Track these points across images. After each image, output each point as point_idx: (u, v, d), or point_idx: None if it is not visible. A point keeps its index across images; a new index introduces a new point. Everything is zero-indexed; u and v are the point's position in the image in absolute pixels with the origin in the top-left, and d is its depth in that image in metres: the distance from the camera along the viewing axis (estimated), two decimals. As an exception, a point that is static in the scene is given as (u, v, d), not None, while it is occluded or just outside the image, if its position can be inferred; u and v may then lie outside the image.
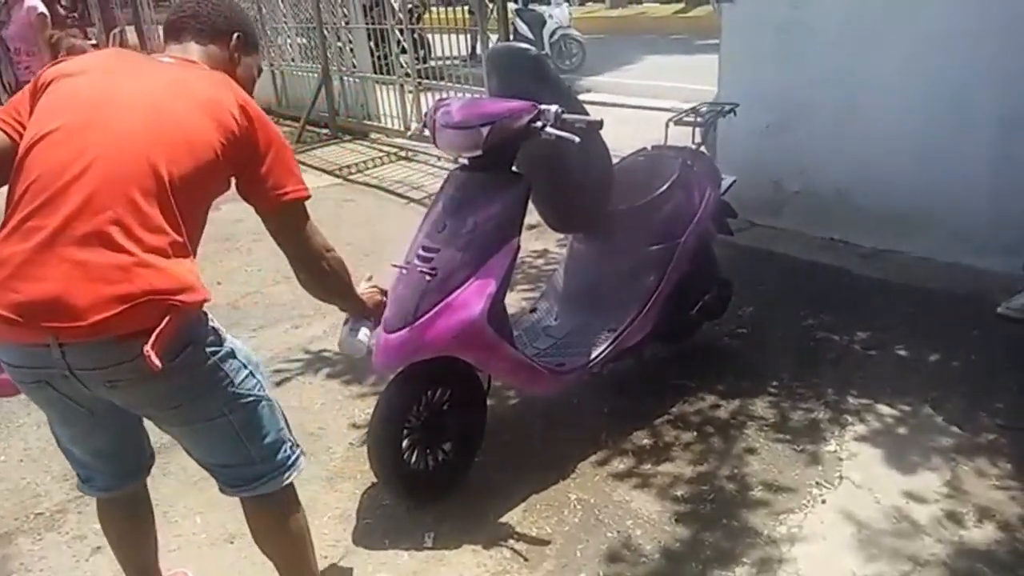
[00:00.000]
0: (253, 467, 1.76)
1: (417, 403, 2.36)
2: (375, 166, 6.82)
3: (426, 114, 2.54)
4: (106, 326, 1.42)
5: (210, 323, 1.64)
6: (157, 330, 1.44)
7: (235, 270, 4.50)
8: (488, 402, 2.62)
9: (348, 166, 6.82)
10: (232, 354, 1.67)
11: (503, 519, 2.41)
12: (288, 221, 1.75)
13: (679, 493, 2.49)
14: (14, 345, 1.51)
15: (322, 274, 1.85)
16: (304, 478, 2.61)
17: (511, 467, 2.63)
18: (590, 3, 22.67)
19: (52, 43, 5.14)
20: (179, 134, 1.55)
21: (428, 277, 2.27)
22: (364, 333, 2.14)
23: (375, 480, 2.53)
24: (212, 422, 1.67)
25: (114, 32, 14.38)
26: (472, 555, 2.28)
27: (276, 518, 1.86)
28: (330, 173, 6.68)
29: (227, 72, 1.77)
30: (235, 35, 1.81)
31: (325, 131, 8.15)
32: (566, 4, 12.59)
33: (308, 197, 1.75)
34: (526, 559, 2.26)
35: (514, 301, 3.63)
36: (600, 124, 2.36)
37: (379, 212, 5.55)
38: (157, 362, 1.42)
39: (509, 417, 2.95)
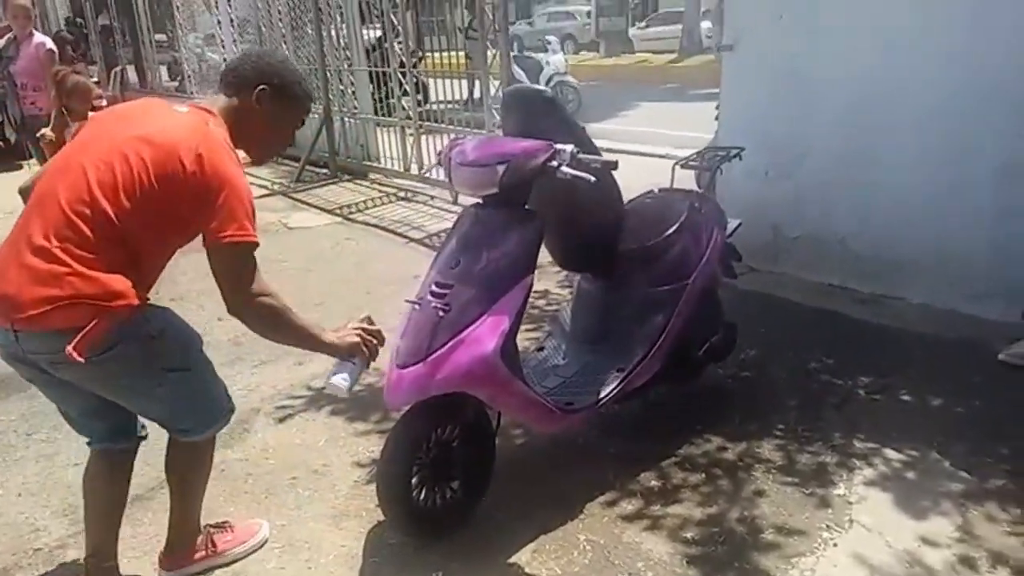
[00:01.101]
0: (180, 424, 2.16)
1: (427, 440, 2.35)
2: (375, 206, 6.86)
3: (440, 152, 2.57)
4: (39, 320, 1.81)
5: (148, 318, 1.96)
6: (84, 331, 1.82)
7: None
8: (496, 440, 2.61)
9: (348, 205, 6.87)
10: (165, 339, 2.01)
11: (512, 559, 2.38)
12: (223, 261, 1.95)
13: (689, 535, 2.47)
14: None
15: (248, 318, 2.04)
16: (309, 515, 2.62)
17: (519, 506, 2.61)
18: (584, 51, 23.12)
19: (58, 80, 5.17)
20: (132, 176, 1.87)
21: (441, 313, 2.27)
22: (342, 376, 2.15)
23: (381, 518, 2.50)
24: (146, 395, 2.07)
25: (115, 70, 14.53)
26: (481, 596, 2.25)
27: (188, 457, 2.24)
28: (330, 212, 6.71)
29: (248, 121, 2.08)
30: (259, 87, 2.08)
31: (325, 171, 8.22)
32: (561, 52, 12.83)
33: (245, 243, 1.94)
34: (536, 600, 2.23)
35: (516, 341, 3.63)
36: (615, 165, 2.39)
37: (379, 251, 5.56)
38: (78, 358, 1.81)
39: (516, 457, 2.93)
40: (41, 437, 3.22)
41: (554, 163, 2.31)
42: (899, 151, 3.97)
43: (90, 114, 5.20)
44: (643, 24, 23.32)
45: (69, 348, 1.80)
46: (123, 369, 1.96)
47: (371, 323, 2.28)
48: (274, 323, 2.05)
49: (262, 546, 2.49)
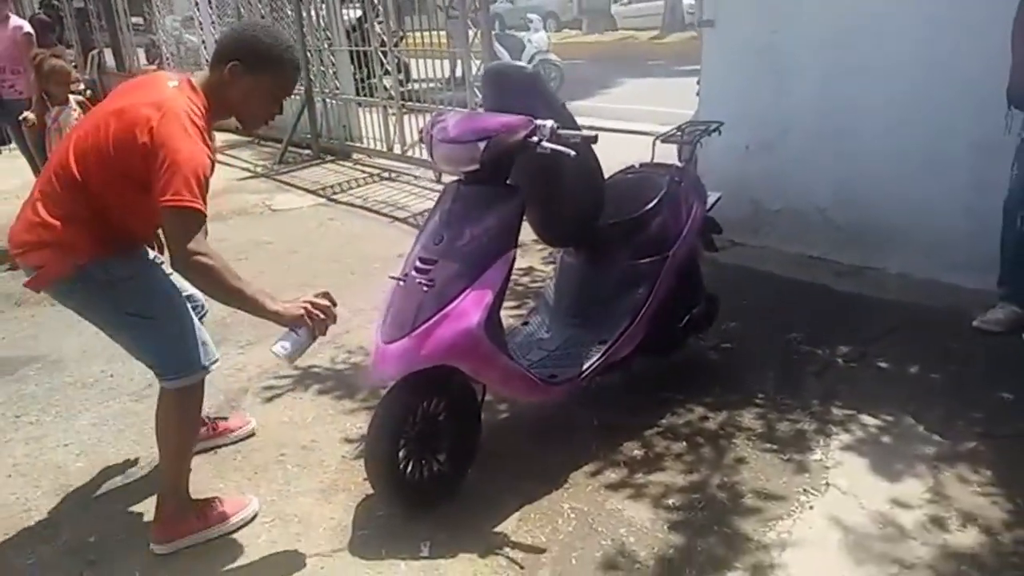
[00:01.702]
0: (154, 367, 2.37)
1: (413, 413, 2.39)
2: (358, 186, 6.87)
3: (422, 129, 2.59)
4: (22, 259, 2.24)
5: (108, 266, 2.21)
6: (39, 269, 2.20)
7: (221, 288, 4.49)
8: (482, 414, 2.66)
9: (331, 186, 6.87)
10: (127, 286, 2.26)
11: (498, 528, 2.44)
12: (165, 222, 2.13)
13: (671, 502, 2.53)
14: None
15: (187, 274, 2.18)
16: (298, 491, 2.66)
17: (505, 478, 2.66)
18: (567, 29, 23.01)
19: (36, 63, 5.13)
20: (99, 140, 2.15)
21: (425, 288, 2.31)
22: (282, 344, 2.21)
23: (370, 492, 2.54)
24: (116, 331, 2.36)
25: (92, 54, 14.34)
26: (469, 563, 2.30)
27: (170, 408, 2.39)
28: (313, 193, 6.71)
29: (225, 94, 2.25)
30: (231, 63, 2.23)
31: (307, 152, 8.20)
32: (544, 30, 12.79)
33: (180, 208, 2.05)
34: (522, 567, 2.28)
35: (502, 317, 3.66)
36: (595, 139, 2.43)
37: (363, 231, 5.57)
38: (32, 289, 2.24)
39: (502, 430, 2.98)
40: (30, 420, 3.24)
41: (534, 138, 2.34)
42: (878, 124, 4.02)
43: (69, 97, 5.18)
44: (626, 1, 23.23)
45: (24, 281, 2.23)
46: (86, 305, 2.32)
47: (329, 300, 2.31)
48: (210, 281, 2.15)
49: (252, 520, 2.54)
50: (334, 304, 2.32)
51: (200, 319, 2.55)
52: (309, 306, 2.25)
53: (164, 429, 2.41)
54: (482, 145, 2.31)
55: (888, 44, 3.90)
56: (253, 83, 2.25)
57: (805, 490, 2.55)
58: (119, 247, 2.24)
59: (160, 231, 2.38)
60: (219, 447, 2.93)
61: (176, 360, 2.34)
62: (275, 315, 2.22)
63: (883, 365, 3.30)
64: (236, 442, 2.95)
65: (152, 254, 2.51)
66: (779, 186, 4.48)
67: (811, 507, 2.47)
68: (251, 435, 3.00)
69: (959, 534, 2.32)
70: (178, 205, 2.04)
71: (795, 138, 4.35)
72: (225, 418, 3.03)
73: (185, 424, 2.43)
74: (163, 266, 2.39)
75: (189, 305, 2.46)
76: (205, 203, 2.11)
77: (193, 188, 2.06)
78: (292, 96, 8.50)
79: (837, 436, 2.83)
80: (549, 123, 2.35)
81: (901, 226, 4.05)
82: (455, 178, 2.56)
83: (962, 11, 3.65)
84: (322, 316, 2.26)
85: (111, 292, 2.24)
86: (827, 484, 2.57)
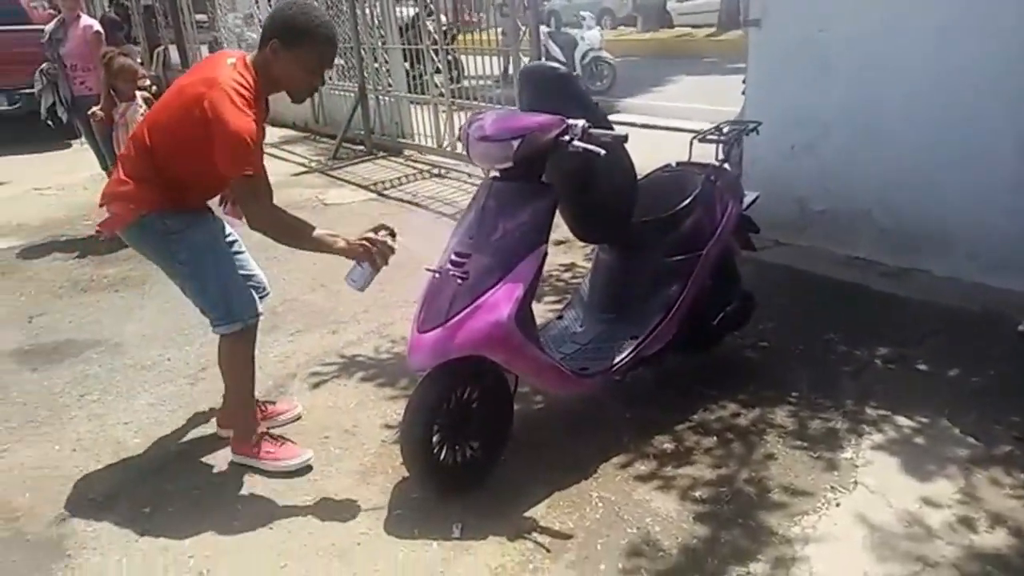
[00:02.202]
0: (205, 313, 2.75)
1: (447, 401, 2.48)
2: (409, 182, 7.00)
3: (461, 128, 2.69)
4: (105, 207, 2.69)
5: (166, 218, 2.59)
6: (110, 216, 2.67)
7: (274, 278, 4.57)
8: (515, 405, 2.74)
9: (383, 182, 7.01)
10: (182, 241, 2.62)
11: (527, 514, 2.52)
12: (236, 191, 2.56)
13: (698, 494, 2.58)
14: None
15: (265, 231, 2.53)
16: (339, 472, 2.79)
17: (535, 466, 2.74)
18: (622, 26, 22.89)
19: (105, 62, 5.37)
20: (165, 114, 2.55)
21: (460, 281, 2.40)
22: (352, 278, 2.57)
23: (406, 475, 2.65)
24: (172, 275, 2.75)
25: (157, 50, 14.82)
26: (498, 546, 2.39)
27: (223, 353, 2.82)
28: (365, 188, 6.87)
29: (270, 69, 2.49)
30: (271, 40, 2.47)
31: (361, 148, 8.38)
32: (598, 27, 12.77)
33: (242, 177, 2.41)
34: (548, 551, 2.36)
35: (541, 312, 3.74)
36: (625, 138, 2.48)
37: (411, 226, 5.67)
38: (102, 231, 2.74)
39: (534, 420, 3.06)
40: (93, 398, 3.44)
41: (566, 137, 2.42)
42: (921, 124, 3.98)
43: (136, 93, 5.43)
44: (682, -3, 22.98)
45: (99, 223, 2.77)
46: (148, 249, 2.72)
47: (391, 233, 2.62)
48: (282, 232, 2.56)
49: (297, 471, 2.81)
50: (394, 235, 2.63)
51: (261, 300, 2.90)
52: (367, 242, 2.56)
53: (223, 367, 2.85)
54: (516, 143, 2.39)
55: (934, 42, 3.85)
56: (292, 58, 2.48)
57: (833, 487, 2.57)
58: (177, 204, 2.60)
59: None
60: (268, 429, 3.07)
61: (219, 310, 2.69)
62: (341, 252, 2.57)
63: (922, 367, 3.28)
64: (283, 425, 3.09)
65: (218, 217, 2.84)
66: (824, 186, 4.45)
67: (838, 504, 2.49)
68: (297, 418, 3.14)
69: (987, 535, 2.32)
70: (240, 175, 2.41)
71: (840, 138, 4.32)
72: (274, 402, 3.20)
73: (236, 364, 2.81)
74: (219, 227, 2.79)
75: (244, 275, 2.84)
76: (259, 164, 2.47)
77: (246, 157, 2.38)
78: (347, 93, 8.76)
79: (869, 436, 2.83)
80: (581, 122, 2.42)
81: (946, 228, 4.00)
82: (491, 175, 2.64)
83: (1008, 8, 3.60)
84: (374, 249, 2.56)
85: (166, 240, 2.63)
86: (855, 482, 2.59)
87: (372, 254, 2.55)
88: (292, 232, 2.57)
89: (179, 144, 2.49)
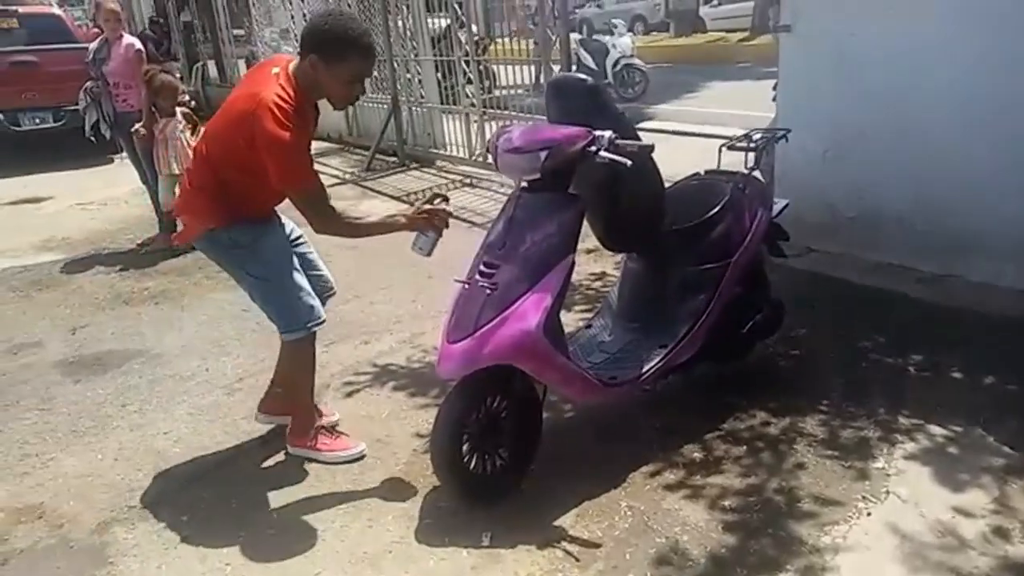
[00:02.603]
0: (273, 320, 2.85)
1: (476, 410, 2.52)
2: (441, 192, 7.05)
3: (489, 140, 2.73)
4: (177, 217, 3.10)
5: (233, 231, 2.72)
6: (183, 229, 2.93)
7: (308, 289, 4.75)
8: (544, 414, 2.76)
9: (415, 192, 7.08)
10: (249, 254, 2.75)
11: (557, 523, 2.54)
12: (295, 202, 2.60)
13: (727, 503, 2.58)
14: None
15: (330, 234, 2.71)
16: (371, 481, 2.84)
17: (565, 475, 2.76)
18: (655, 32, 22.85)
19: (147, 79, 5.53)
20: (220, 128, 2.63)
21: (488, 291, 2.44)
22: (419, 247, 2.74)
23: (437, 484, 2.69)
24: (240, 283, 2.88)
25: (196, 66, 15.13)
26: (527, 554, 2.41)
27: (286, 356, 3.00)
28: (397, 199, 6.94)
29: (311, 80, 2.54)
30: (309, 56, 2.51)
31: (394, 159, 8.48)
32: (629, 34, 12.79)
33: (294, 188, 2.55)
34: (578, 560, 2.38)
35: (571, 321, 3.77)
36: (651, 148, 2.50)
37: (444, 236, 5.75)
38: (176, 242, 3.45)
39: (564, 429, 3.08)
40: (134, 409, 3.54)
41: (592, 148, 2.44)
42: (956, 128, 3.93)
43: (176, 110, 5.57)
44: (715, 2, 22.90)
45: (173, 235, 2.93)
46: (218, 259, 2.86)
47: (444, 199, 2.83)
48: (347, 232, 2.76)
49: (351, 461, 2.96)
50: (447, 200, 2.84)
51: (326, 298, 3.07)
52: (429, 212, 2.72)
53: (286, 368, 3.03)
54: (543, 155, 2.43)
55: (967, 43, 3.81)
56: (331, 73, 2.53)
57: (864, 497, 2.55)
58: (243, 215, 2.71)
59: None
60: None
61: (284, 318, 2.82)
62: (405, 227, 2.74)
63: (956, 375, 3.24)
64: None
65: (288, 228, 2.96)
66: (856, 192, 4.42)
67: (868, 514, 2.48)
68: (335, 426, 3.20)
69: (1021, 546, 2.29)
70: (293, 188, 2.55)
71: (872, 143, 4.28)
72: (336, 431, 3.21)
73: (298, 367, 2.96)
74: (285, 235, 2.92)
75: (310, 280, 2.93)
76: (309, 173, 2.57)
77: (295, 171, 2.51)
78: (380, 105, 8.86)
79: (902, 445, 2.81)
80: (607, 134, 2.44)
81: (982, 233, 3.94)
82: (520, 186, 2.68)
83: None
84: (441, 216, 2.73)
85: (233, 253, 2.78)
86: (887, 492, 2.57)
87: (433, 223, 2.70)
88: (355, 229, 2.77)
89: (232, 156, 2.58)
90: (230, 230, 2.72)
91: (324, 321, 2.91)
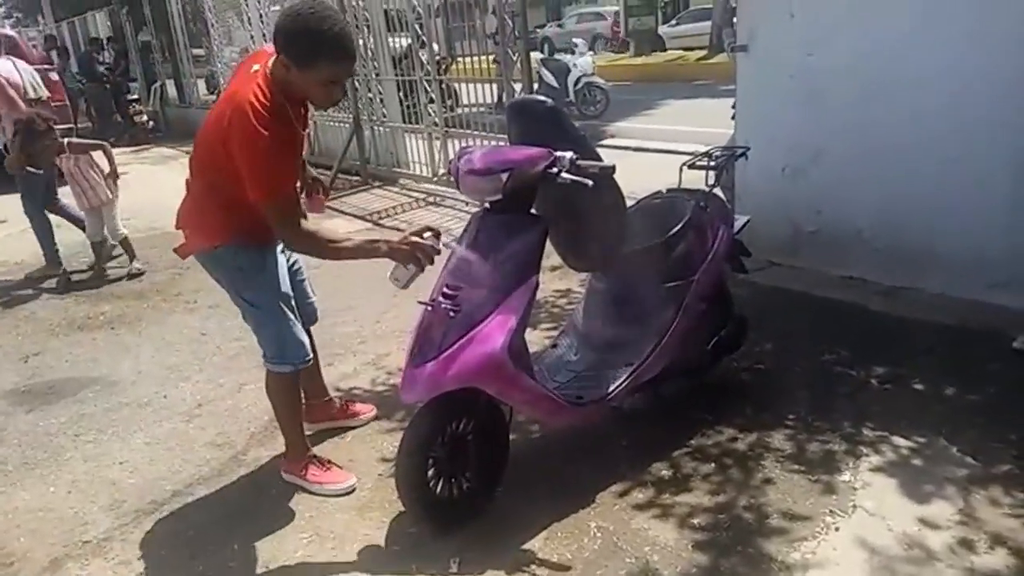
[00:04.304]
0: (261, 346, 2.79)
1: (442, 434, 2.48)
2: (404, 211, 7.03)
3: (451, 161, 2.71)
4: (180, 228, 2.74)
5: (236, 252, 2.62)
6: (185, 242, 2.70)
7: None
8: (511, 435, 2.73)
9: (378, 211, 7.04)
10: (249, 281, 2.67)
11: (525, 546, 2.50)
12: (265, 214, 2.41)
13: (697, 522, 2.57)
14: None
15: (301, 252, 2.77)
16: (335, 507, 2.78)
17: (533, 497, 2.73)
18: (614, 52, 23.10)
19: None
20: (205, 132, 2.49)
21: (452, 313, 2.41)
22: (395, 277, 2.53)
23: (402, 509, 2.64)
24: (236, 305, 2.77)
25: (155, 86, 14.92)
26: (496, 580, 2.38)
27: (270, 387, 2.87)
28: (361, 218, 6.90)
29: (288, 80, 2.37)
30: (280, 55, 2.34)
31: (356, 178, 8.43)
32: (590, 53, 12.90)
33: (266, 200, 2.36)
34: (547, 584, 2.35)
35: (537, 339, 3.75)
36: (613, 169, 2.50)
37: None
38: (179, 255, 2.74)
39: (531, 449, 3.05)
40: (88, 439, 3.43)
41: (554, 169, 2.43)
42: (914, 143, 3.99)
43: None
44: (673, 22, 23.27)
45: (175, 247, 2.74)
46: (217, 277, 2.74)
47: (436, 234, 2.59)
48: (320, 250, 2.54)
49: (342, 495, 2.86)
50: (438, 236, 2.59)
51: (309, 324, 3.02)
52: (412, 245, 2.50)
53: (270, 397, 2.91)
54: (504, 176, 2.41)
55: (922, 62, 3.88)
56: (305, 76, 2.34)
57: (831, 511, 2.56)
58: (245, 235, 2.58)
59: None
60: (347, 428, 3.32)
61: (271, 349, 2.76)
62: (387, 256, 2.51)
63: (918, 387, 3.27)
64: (366, 424, 3.36)
65: (284, 257, 2.85)
66: (816, 207, 4.47)
67: (837, 528, 2.48)
68: (374, 419, 3.38)
69: (987, 556, 2.30)
70: (261, 193, 2.35)
71: (831, 159, 4.34)
72: (354, 401, 3.47)
73: (283, 399, 2.87)
74: (287, 266, 2.85)
75: (298, 309, 2.85)
76: (283, 177, 2.39)
77: (266, 172, 2.32)
78: (342, 124, 8.80)
79: (867, 458, 2.82)
80: (568, 154, 2.43)
81: (940, 245, 4.01)
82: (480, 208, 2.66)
83: (996, 25, 3.63)
84: (427, 251, 2.50)
85: (236, 275, 2.68)
86: (854, 505, 2.58)
87: (416, 256, 2.49)
88: (332, 250, 2.52)
89: (215, 160, 2.44)
90: (236, 251, 2.63)
91: (311, 361, 2.89)
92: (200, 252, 2.68)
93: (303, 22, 2.28)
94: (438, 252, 2.54)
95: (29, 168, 5.54)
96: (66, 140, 5.60)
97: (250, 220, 2.49)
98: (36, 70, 7.50)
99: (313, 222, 2.58)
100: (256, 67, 2.42)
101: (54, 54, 14.51)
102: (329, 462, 2.97)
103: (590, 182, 2.38)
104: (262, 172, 2.32)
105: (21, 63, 7.20)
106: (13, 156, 5.49)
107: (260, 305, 2.71)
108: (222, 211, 2.56)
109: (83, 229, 5.93)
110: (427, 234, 2.57)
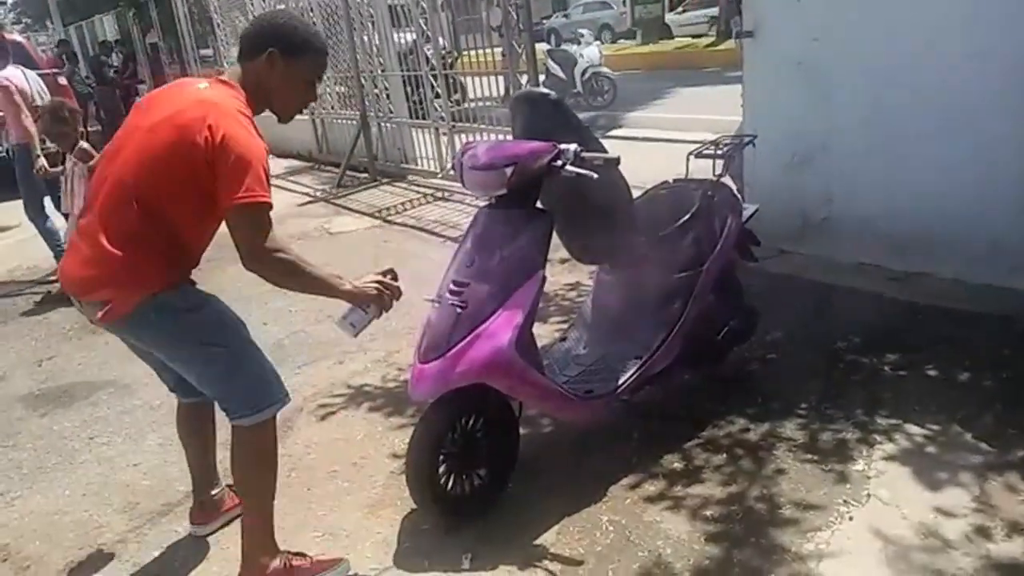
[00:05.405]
0: (227, 403, 2.29)
1: (452, 430, 2.48)
2: (413, 207, 7.03)
3: (455, 158, 2.70)
4: (86, 296, 2.19)
5: (184, 293, 2.23)
6: (111, 305, 2.13)
7: (280, 310, 4.68)
8: (521, 429, 2.73)
9: (387, 208, 7.05)
10: (201, 314, 2.24)
11: (537, 541, 2.50)
12: (236, 222, 2.09)
13: (709, 513, 2.55)
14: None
15: (263, 271, 2.13)
16: (348, 505, 2.78)
17: (544, 491, 2.72)
18: (622, 40, 22.99)
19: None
20: (154, 157, 2.10)
21: (459, 309, 2.40)
22: (350, 321, 2.32)
23: (414, 506, 2.64)
24: (189, 363, 2.29)
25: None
26: (508, 575, 2.37)
27: (244, 449, 2.32)
28: (370, 215, 6.90)
29: (264, 83, 2.22)
30: (268, 51, 2.20)
31: (364, 175, 8.43)
32: (597, 43, 12.82)
33: (253, 204, 2.06)
34: (559, 579, 2.34)
35: (547, 333, 3.74)
36: (617, 161, 2.48)
37: (416, 251, 5.72)
38: (106, 326, 2.22)
39: (541, 443, 3.04)
40: (102, 441, 3.45)
41: (558, 162, 2.42)
42: (924, 129, 3.95)
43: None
44: (680, 9, 23.10)
45: (95, 316, 2.17)
46: (160, 336, 2.24)
47: (394, 277, 2.39)
48: (287, 274, 2.16)
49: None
50: (396, 279, 2.39)
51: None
52: (380, 286, 2.32)
53: (244, 471, 2.34)
54: (509, 171, 2.40)
55: (932, 46, 3.84)
56: (292, 69, 2.23)
57: (845, 501, 2.54)
58: (187, 272, 2.27)
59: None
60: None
61: (251, 396, 2.27)
62: (349, 295, 2.28)
63: (932, 373, 3.24)
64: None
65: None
66: (826, 193, 4.43)
67: (851, 518, 2.46)
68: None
69: (1004, 544, 2.28)
70: (253, 201, 2.04)
71: (840, 145, 4.30)
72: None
73: (261, 461, 2.33)
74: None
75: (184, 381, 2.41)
76: (269, 186, 2.11)
77: (263, 182, 2.07)
78: (349, 121, 8.81)
79: (881, 446, 2.80)
80: (572, 147, 2.42)
81: (953, 230, 3.96)
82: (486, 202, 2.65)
83: (1008, 9, 3.58)
84: (389, 294, 2.34)
85: (188, 318, 2.20)
86: (868, 494, 2.56)
87: (382, 299, 2.31)
88: (299, 272, 2.16)
89: (180, 183, 2.09)
90: (182, 291, 2.22)
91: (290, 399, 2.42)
92: (138, 307, 2.13)
93: (287, 16, 2.35)
94: (399, 297, 2.37)
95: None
96: (81, 142, 5.62)
97: (188, 255, 2.26)
98: (43, 75, 7.52)
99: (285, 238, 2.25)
100: (203, 84, 2.21)
101: (64, 58, 14.58)
102: (300, 553, 2.44)
103: (595, 174, 2.37)
104: (262, 172, 2.08)
105: (30, 73, 7.23)
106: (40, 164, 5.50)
107: (228, 343, 2.26)
108: (162, 245, 2.15)
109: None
110: (389, 275, 2.39)
